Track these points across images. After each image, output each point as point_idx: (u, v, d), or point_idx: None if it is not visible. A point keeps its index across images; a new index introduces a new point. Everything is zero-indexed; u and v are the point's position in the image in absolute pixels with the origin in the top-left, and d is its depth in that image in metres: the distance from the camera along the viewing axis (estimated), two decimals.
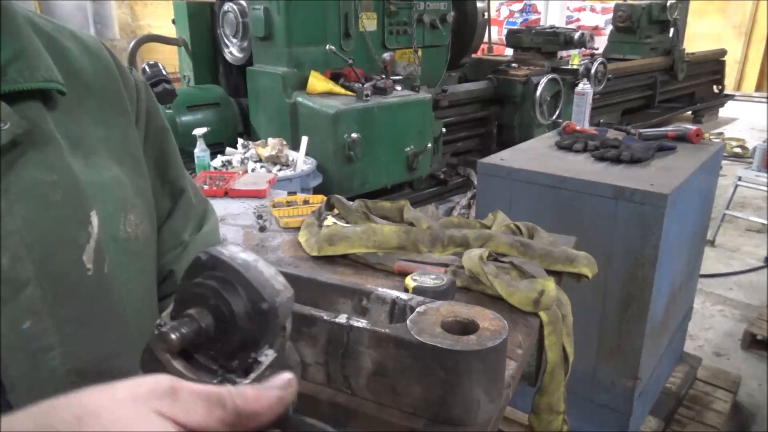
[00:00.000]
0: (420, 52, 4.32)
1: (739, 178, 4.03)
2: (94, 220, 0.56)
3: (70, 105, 0.59)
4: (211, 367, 0.44)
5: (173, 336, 0.42)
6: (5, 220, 0.50)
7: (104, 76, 0.65)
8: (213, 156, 3.12)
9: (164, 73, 3.21)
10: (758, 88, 10.84)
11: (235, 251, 0.45)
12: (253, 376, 0.44)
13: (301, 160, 3.17)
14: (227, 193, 1.86)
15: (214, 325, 0.43)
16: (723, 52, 8.43)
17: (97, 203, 0.57)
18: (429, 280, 1.08)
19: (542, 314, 1.13)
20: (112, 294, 0.58)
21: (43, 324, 0.51)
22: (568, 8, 10.45)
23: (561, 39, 5.13)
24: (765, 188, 3.93)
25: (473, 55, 5.48)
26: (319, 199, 1.70)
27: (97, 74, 0.64)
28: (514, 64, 5.17)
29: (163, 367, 0.44)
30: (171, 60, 4.80)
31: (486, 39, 5.66)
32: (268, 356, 0.44)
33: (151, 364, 0.44)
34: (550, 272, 1.23)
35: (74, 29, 0.67)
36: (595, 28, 10.04)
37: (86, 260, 0.55)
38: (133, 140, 0.67)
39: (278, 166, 3.17)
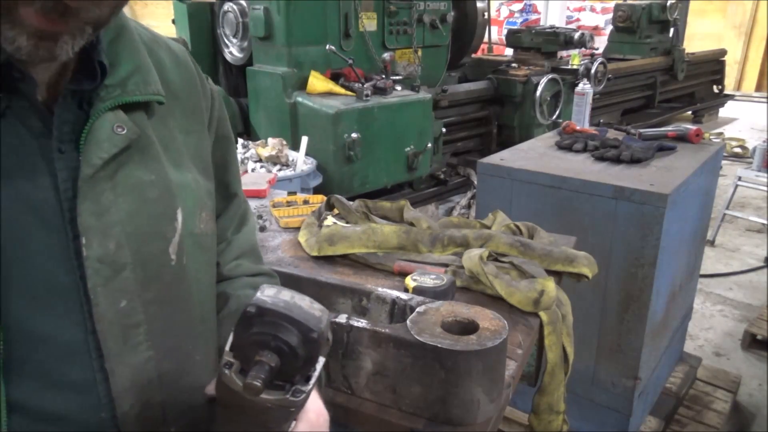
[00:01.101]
0: (420, 52, 4.32)
1: (739, 178, 4.03)
2: (179, 216, 0.65)
3: (163, 112, 0.67)
4: (278, 383, 0.55)
5: (257, 383, 0.52)
6: (112, 212, 0.58)
7: (188, 86, 0.74)
8: None
9: None
10: (758, 88, 10.83)
11: (273, 294, 0.55)
12: (312, 381, 0.56)
13: (301, 160, 3.17)
14: None
15: (280, 361, 0.54)
16: (723, 52, 8.43)
17: (181, 201, 0.66)
18: (429, 280, 1.08)
19: (542, 314, 1.13)
20: (186, 282, 0.67)
21: (134, 303, 0.60)
22: (568, 8, 10.45)
23: (561, 39, 5.12)
24: (765, 188, 3.93)
25: (473, 55, 5.47)
26: (319, 199, 1.70)
27: (184, 84, 0.73)
28: (514, 64, 5.17)
29: (238, 395, 0.54)
30: None
31: (486, 39, 5.65)
32: (320, 362, 0.56)
33: (226, 392, 0.56)
34: (550, 272, 1.23)
35: (168, 39, 0.75)
36: (595, 28, 10.04)
37: (171, 252, 0.64)
38: (206, 146, 0.76)
39: (278, 166, 3.17)
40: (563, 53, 5.50)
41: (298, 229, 1.48)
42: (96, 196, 0.57)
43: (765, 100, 9.47)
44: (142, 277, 0.61)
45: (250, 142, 3.40)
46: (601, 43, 7.74)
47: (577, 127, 2.46)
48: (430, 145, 3.90)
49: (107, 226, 0.58)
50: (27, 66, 0.55)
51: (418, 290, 1.05)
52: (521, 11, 10.82)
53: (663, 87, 7.11)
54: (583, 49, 5.37)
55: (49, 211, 0.56)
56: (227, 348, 0.57)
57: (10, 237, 0.54)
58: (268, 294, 0.55)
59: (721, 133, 7.33)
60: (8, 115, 0.55)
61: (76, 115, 0.59)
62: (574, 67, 5.25)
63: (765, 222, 4.12)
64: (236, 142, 3.46)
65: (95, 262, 0.57)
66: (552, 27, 5.50)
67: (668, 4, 6.94)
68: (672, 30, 7.29)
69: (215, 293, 0.77)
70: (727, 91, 8.79)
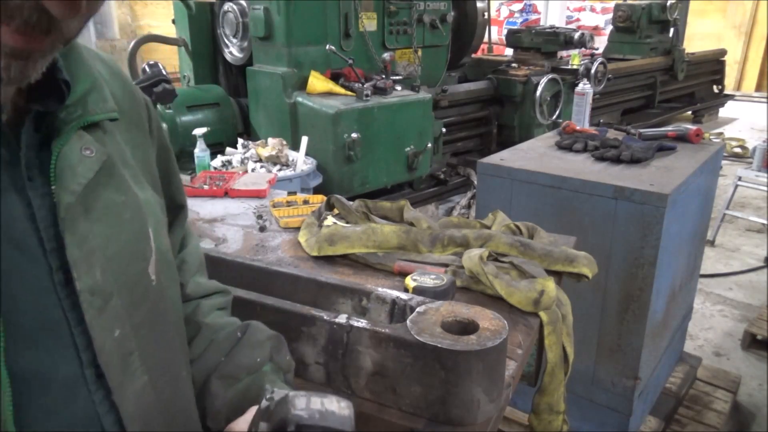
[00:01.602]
0: (420, 52, 4.32)
1: (739, 178, 4.03)
2: (151, 234, 0.63)
3: (112, 128, 0.64)
4: None
5: None
6: (90, 239, 0.55)
7: (129, 99, 0.70)
8: (213, 156, 3.12)
9: (164, 73, 3.21)
10: (758, 88, 10.83)
11: (305, 406, 0.56)
12: None
13: (301, 160, 3.17)
14: (227, 193, 1.86)
15: None
16: (723, 52, 8.43)
17: (150, 219, 0.64)
18: (429, 280, 1.08)
19: (542, 314, 1.13)
20: (164, 300, 0.65)
21: (125, 330, 0.58)
22: (568, 8, 10.45)
23: (561, 39, 5.12)
24: (765, 188, 3.93)
25: (473, 55, 5.47)
26: (319, 199, 1.70)
27: (125, 97, 0.69)
28: (514, 64, 5.17)
29: None
30: (171, 60, 4.80)
31: (486, 39, 5.65)
32: None
33: None
34: (550, 272, 1.23)
35: (96, 51, 0.71)
36: (595, 28, 10.04)
37: (151, 272, 0.62)
38: (152, 159, 0.73)
39: (278, 166, 3.17)
40: (563, 53, 5.50)
41: (298, 229, 1.48)
42: (73, 225, 0.54)
43: (765, 100, 9.47)
44: (129, 302, 0.59)
45: (250, 142, 3.40)
46: (601, 43, 7.74)
47: (577, 127, 2.46)
48: (430, 145, 3.90)
49: (89, 255, 0.55)
50: None
51: (418, 290, 1.05)
52: (521, 11, 10.82)
53: (663, 87, 7.12)
54: (583, 49, 5.37)
55: (30, 244, 0.53)
56: None
57: (1, 274, 0.50)
58: (300, 407, 0.55)
59: (721, 133, 7.33)
60: None
61: (36, 139, 0.55)
62: (574, 67, 5.25)
63: (765, 222, 4.12)
64: (236, 143, 3.47)
65: (87, 294, 0.54)
66: (552, 27, 5.50)
67: (668, 4, 6.94)
68: (672, 30, 7.29)
69: (181, 311, 0.76)
70: (727, 91, 8.79)
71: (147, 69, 3.24)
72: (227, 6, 3.96)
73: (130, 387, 0.59)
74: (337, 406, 0.57)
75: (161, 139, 0.78)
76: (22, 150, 0.53)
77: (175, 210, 0.84)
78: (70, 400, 0.55)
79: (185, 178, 2.29)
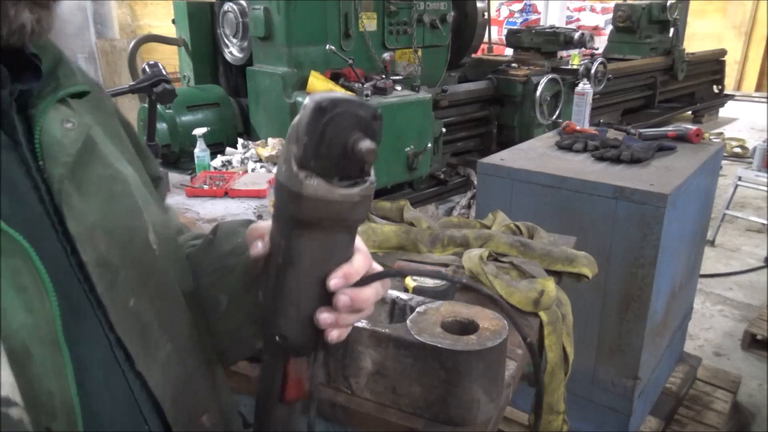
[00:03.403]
0: (420, 52, 4.31)
1: (739, 178, 4.03)
2: (142, 207, 0.62)
3: (80, 108, 0.62)
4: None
5: (371, 150, 0.49)
6: (87, 214, 0.55)
7: (86, 78, 0.67)
8: (213, 156, 3.11)
9: (164, 73, 3.20)
10: (758, 88, 10.83)
11: (327, 94, 0.50)
12: (373, 173, 0.54)
13: None
14: (227, 193, 1.86)
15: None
16: (723, 52, 8.43)
17: (136, 191, 0.63)
18: (429, 280, 1.08)
19: (542, 314, 1.13)
20: (168, 270, 0.65)
21: (141, 302, 0.58)
22: (568, 8, 10.44)
23: (561, 39, 5.12)
24: (765, 188, 3.93)
25: (473, 55, 5.47)
26: None
27: (86, 80, 0.67)
28: (514, 64, 5.17)
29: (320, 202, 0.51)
30: (171, 60, 4.80)
31: (486, 39, 5.65)
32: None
33: (308, 207, 0.51)
34: (550, 272, 1.23)
35: None
36: (595, 28, 10.04)
37: (152, 242, 0.62)
38: (124, 135, 0.71)
39: None
40: (563, 53, 5.50)
41: None
42: (67, 200, 0.53)
43: (765, 100, 9.47)
44: (139, 274, 0.59)
45: (250, 142, 3.40)
46: (601, 43, 7.74)
47: (577, 127, 2.46)
48: (430, 145, 3.90)
49: (90, 230, 0.54)
50: None
51: (418, 290, 1.05)
52: (521, 11, 10.82)
53: (663, 87, 7.11)
54: (583, 49, 5.37)
55: (45, 225, 0.52)
56: (295, 162, 0.49)
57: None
58: (324, 94, 0.49)
59: (721, 133, 7.33)
60: None
61: (19, 119, 0.54)
62: (574, 67, 5.25)
63: (765, 222, 4.12)
64: (236, 143, 3.47)
65: (95, 267, 0.54)
66: (552, 27, 5.50)
67: (668, 4, 6.94)
68: (672, 30, 7.29)
69: (190, 281, 0.75)
70: (727, 91, 8.79)
71: (147, 69, 3.23)
72: (227, 6, 3.96)
73: (154, 356, 0.59)
74: (352, 94, 0.55)
75: (121, 115, 0.76)
76: (18, 128, 0.52)
77: (154, 182, 0.82)
78: (110, 380, 0.55)
79: (185, 179, 2.29)
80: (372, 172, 0.53)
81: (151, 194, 0.70)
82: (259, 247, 0.59)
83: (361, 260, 0.58)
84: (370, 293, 0.58)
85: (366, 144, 0.49)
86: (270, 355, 0.62)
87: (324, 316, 0.56)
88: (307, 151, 0.49)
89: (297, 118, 0.50)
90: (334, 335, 0.57)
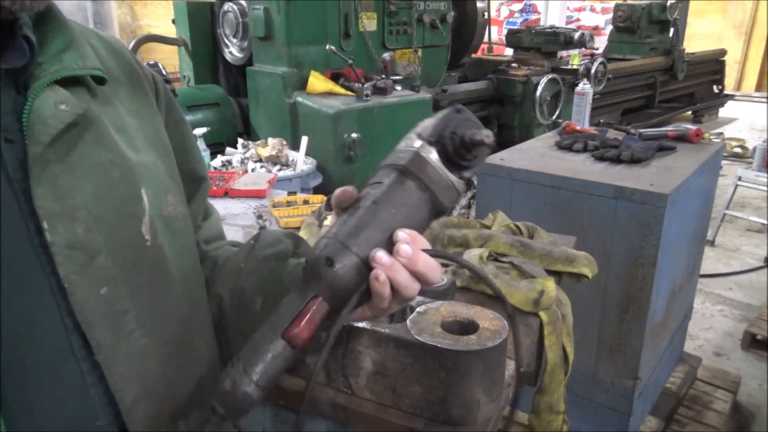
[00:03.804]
0: (420, 52, 4.32)
1: (739, 178, 4.03)
2: (145, 197, 0.62)
3: (108, 97, 0.64)
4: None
5: (489, 138, 0.56)
6: (74, 194, 0.55)
7: (128, 72, 0.70)
8: (213, 156, 3.12)
9: (164, 73, 3.21)
10: (758, 88, 10.83)
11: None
12: (473, 170, 0.60)
13: (301, 160, 3.17)
14: (227, 193, 1.86)
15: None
16: (723, 52, 8.43)
17: (144, 182, 0.62)
18: None
19: (542, 314, 1.13)
20: (166, 264, 0.64)
21: (118, 290, 0.57)
22: (568, 8, 10.44)
23: (561, 39, 5.12)
24: (765, 188, 3.93)
25: (473, 55, 5.47)
26: (319, 199, 1.70)
27: (123, 72, 0.69)
28: (514, 64, 5.17)
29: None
30: (171, 60, 4.80)
31: (486, 39, 5.65)
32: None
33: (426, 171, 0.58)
34: (550, 272, 1.23)
35: (97, 30, 0.71)
36: (595, 28, 10.04)
37: (145, 232, 0.61)
38: (161, 129, 0.72)
39: (278, 166, 3.17)
40: (563, 53, 5.50)
41: (298, 229, 1.48)
42: (52, 179, 0.53)
43: (765, 100, 9.47)
44: (122, 261, 0.57)
45: (250, 142, 3.40)
46: (601, 43, 7.74)
47: (577, 127, 2.46)
48: None
49: (71, 210, 0.54)
50: None
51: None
52: (521, 11, 10.82)
53: (663, 87, 7.11)
54: (583, 49, 5.37)
55: (6, 205, 0.52)
56: (418, 138, 0.58)
57: None
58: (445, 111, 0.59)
59: (721, 133, 7.33)
60: None
61: (15, 100, 0.55)
62: (574, 67, 5.25)
63: (765, 222, 4.12)
64: (236, 143, 3.47)
65: (64, 248, 0.53)
66: (552, 27, 5.50)
67: (668, 4, 6.94)
68: (672, 30, 7.29)
69: (201, 280, 0.74)
70: (727, 91, 8.79)
71: None
72: (227, 6, 3.96)
73: (124, 349, 0.57)
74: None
75: (175, 114, 0.78)
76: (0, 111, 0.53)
77: (196, 182, 0.83)
78: (56, 366, 0.54)
79: None
80: (469, 181, 0.59)
81: (176, 187, 0.70)
82: (349, 190, 0.60)
83: (424, 241, 0.58)
84: (426, 263, 0.57)
85: (485, 131, 0.56)
86: (298, 288, 0.58)
87: (380, 254, 0.55)
88: (436, 129, 0.58)
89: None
90: (379, 279, 0.55)
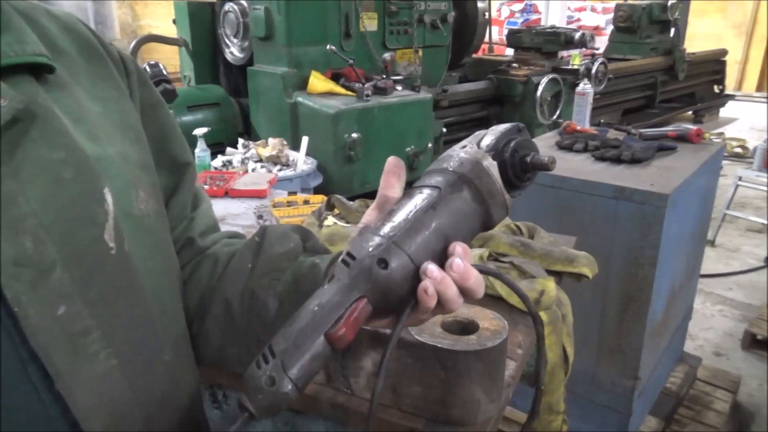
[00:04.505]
0: (420, 52, 4.32)
1: (740, 178, 4.03)
2: (108, 197, 0.54)
3: (63, 82, 0.56)
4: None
5: (551, 162, 0.58)
6: (20, 202, 0.47)
7: (88, 53, 0.62)
8: (213, 156, 3.12)
9: (164, 73, 3.21)
10: (759, 88, 10.83)
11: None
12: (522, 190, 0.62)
13: (302, 160, 3.17)
14: (228, 193, 1.86)
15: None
16: (723, 52, 8.43)
17: (107, 179, 0.55)
18: None
19: (542, 314, 1.13)
20: (134, 272, 0.56)
21: (77, 307, 0.50)
22: (568, 8, 10.45)
23: (561, 39, 5.12)
24: (765, 188, 3.93)
25: (474, 55, 5.47)
26: (319, 199, 1.70)
27: (81, 52, 0.61)
28: (514, 64, 5.17)
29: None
30: (171, 60, 4.80)
31: (487, 39, 5.65)
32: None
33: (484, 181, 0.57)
34: (550, 272, 1.23)
35: (46, 6, 0.62)
36: (596, 28, 10.04)
37: (108, 239, 0.53)
38: (131, 113, 0.64)
39: (278, 166, 3.17)
40: (564, 53, 5.49)
41: None
42: None
43: (766, 100, 9.47)
44: (80, 275, 0.50)
45: (251, 142, 3.40)
46: (601, 43, 7.73)
47: (578, 127, 2.46)
48: (430, 145, 3.90)
49: (15, 221, 0.47)
50: None
51: None
52: (522, 11, 10.82)
53: (663, 87, 7.11)
54: (583, 49, 5.37)
55: None
56: (479, 148, 0.57)
57: None
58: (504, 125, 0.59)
59: (721, 133, 7.33)
60: None
61: None
62: (575, 67, 5.25)
63: (765, 222, 4.12)
64: (237, 143, 3.47)
65: (10, 266, 0.46)
66: (552, 27, 5.50)
67: (669, 4, 6.93)
68: (672, 30, 7.28)
69: (175, 282, 0.67)
70: (727, 91, 8.78)
71: (147, 69, 3.23)
72: (228, 6, 3.96)
73: (86, 373, 0.50)
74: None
75: (150, 97, 0.70)
76: None
77: (180, 169, 0.74)
78: (17, 404, 0.48)
79: None
80: (511, 199, 0.60)
81: (148, 179, 0.63)
82: (395, 187, 0.60)
83: (471, 255, 0.56)
84: (477, 280, 0.55)
85: (550, 156, 0.58)
86: (339, 284, 0.54)
87: (431, 268, 0.52)
88: (498, 143, 0.57)
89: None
90: (428, 292, 0.52)
